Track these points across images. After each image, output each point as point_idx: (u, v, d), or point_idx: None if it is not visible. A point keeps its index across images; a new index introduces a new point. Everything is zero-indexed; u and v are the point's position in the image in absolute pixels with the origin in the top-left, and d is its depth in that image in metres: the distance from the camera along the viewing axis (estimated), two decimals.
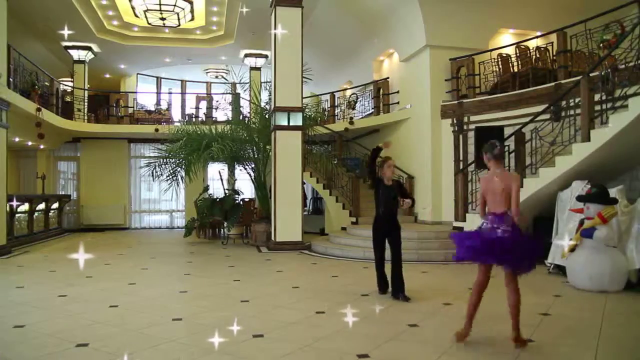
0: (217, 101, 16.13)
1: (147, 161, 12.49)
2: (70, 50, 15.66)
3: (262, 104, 12.38)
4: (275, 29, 10.34)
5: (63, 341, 4.05)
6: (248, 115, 13.14)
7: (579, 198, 6.56)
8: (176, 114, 17.53)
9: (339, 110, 15.73)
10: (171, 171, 11.48)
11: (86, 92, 15.99)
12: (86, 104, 15.70)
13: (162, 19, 13.38)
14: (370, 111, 14.47)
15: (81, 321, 4.68)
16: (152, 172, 11.67)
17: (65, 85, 15.80)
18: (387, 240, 5.74)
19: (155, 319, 4.76)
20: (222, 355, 3.72)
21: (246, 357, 3.69)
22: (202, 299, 5.74)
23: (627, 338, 3.99)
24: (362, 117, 14.73)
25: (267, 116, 11.84)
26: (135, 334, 4.29)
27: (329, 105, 15.97)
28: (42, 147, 14.73)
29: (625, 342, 3.91)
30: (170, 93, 19.50)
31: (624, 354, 3.67)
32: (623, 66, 7.15)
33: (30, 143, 13.86)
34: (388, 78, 13.90)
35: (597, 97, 7.30)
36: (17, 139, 12.67)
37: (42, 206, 12.56)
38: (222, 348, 3.85)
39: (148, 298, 5.79)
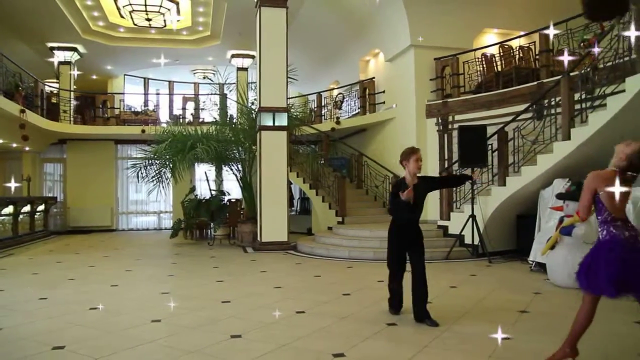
0: (203, 102, 16.09)
1: (133, 162, 12.45)
2: (55, 51, 15.53)
3: (249, 104, 12.37)
4: (259, 29, 10.34)
5: (39, 344, 4.02)
6: (235, 115, 13.12)
7: (559, 196, 6.64)
8: (164, 115, 17.46)
9: (325, 110, 15.75)
10: (157, 172, 11.45)
11: (72, 93, 15.87)
12: (72, 105, 15.59)
13: (148, 19, 13.32)
14: (357, 111, 14.51)
15: (59, 324, 4.65)
16: (138, 174, 11.62)
17: (50, 87, 15.66)
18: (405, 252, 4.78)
19: (134, 321, 4.75)
20: (200, 355, 3.72)
21: (224, 357, 3.70)
22: (183, 300, 5.72)
23: (603, 334, 4.04)
24: (348, 117, 14.76)
25: (253, 116, 11.84)
26: (113, 335, 4.28)
27: (315, 105, 16.00)
28: (27, 149, 14.59)
29: (602, 338, 3.95)
30: (157, 94, 19.40)
31: (599, 351, 3.71)
32: (602, 66, 7.23)
33: (14, 145, 13.74)
34: (374, 78, 13.94)
35: (577, 96, 7.38)
36: (0, 141, 12.55)
37: (27, 208, 12.46)
38: (201, 349, 3.85)
39: (129, 300, 5.77)
